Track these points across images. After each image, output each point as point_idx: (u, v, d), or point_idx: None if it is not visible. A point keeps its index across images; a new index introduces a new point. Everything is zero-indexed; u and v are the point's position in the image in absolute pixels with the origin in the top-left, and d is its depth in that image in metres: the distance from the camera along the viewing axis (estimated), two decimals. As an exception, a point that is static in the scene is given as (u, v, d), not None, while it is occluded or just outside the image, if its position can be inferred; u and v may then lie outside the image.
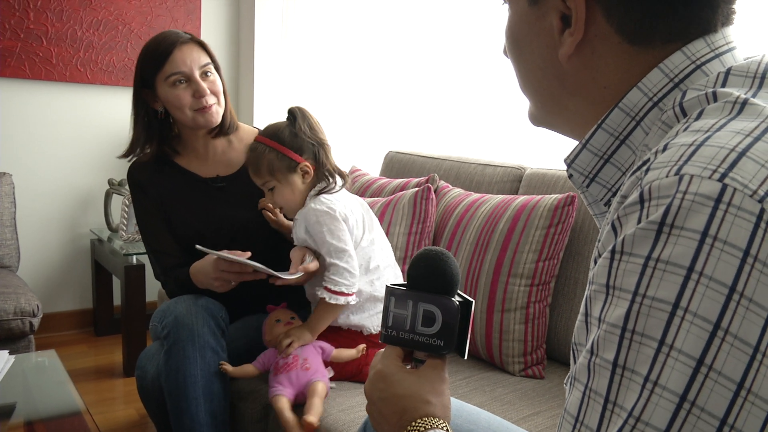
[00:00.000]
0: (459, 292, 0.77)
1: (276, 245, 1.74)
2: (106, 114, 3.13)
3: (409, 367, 0.77)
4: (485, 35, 2.48)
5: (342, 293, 1.49)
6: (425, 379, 0.74)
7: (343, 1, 3.19)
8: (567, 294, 1.70)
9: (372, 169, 2.53)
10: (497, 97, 2.46)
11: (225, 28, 3.37)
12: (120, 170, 3.16)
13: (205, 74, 1.65)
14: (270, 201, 1.56)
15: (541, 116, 0.69)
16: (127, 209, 2.82)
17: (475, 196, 1.90)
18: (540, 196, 1.71)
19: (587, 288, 0.52)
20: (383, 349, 0.79)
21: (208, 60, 1.67)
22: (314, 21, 3.26)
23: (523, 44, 0.65)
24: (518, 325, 1.64)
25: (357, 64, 3.18)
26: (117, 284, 3.06)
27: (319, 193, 1.53)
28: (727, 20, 0.59)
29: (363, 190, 2.22)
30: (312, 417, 1.36)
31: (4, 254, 2.63)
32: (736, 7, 0.60)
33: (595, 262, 0.53)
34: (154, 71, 1.63)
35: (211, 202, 1.72)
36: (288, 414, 1.41)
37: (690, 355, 0.44)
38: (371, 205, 1.83)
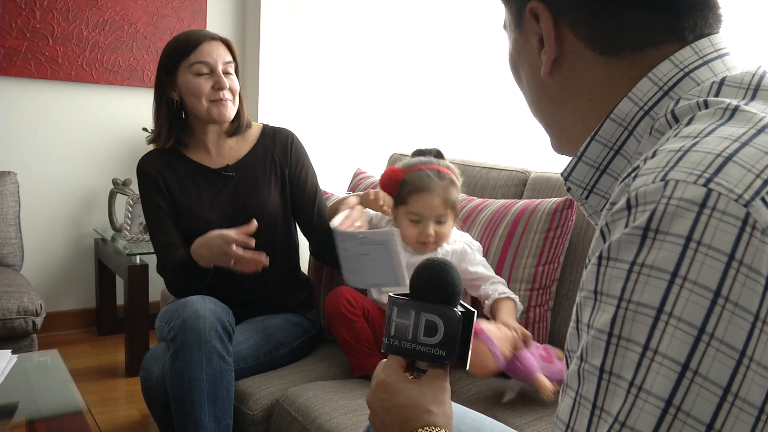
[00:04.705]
0: (461, 302, 0.77)
1: (286, 231, 1.81)
2: (111, 114, 3.14)
3: (411, 376, 0.77)
4: (491, 38, 2.47)
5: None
6: (427, 389, 0.74)
7: (348, 2, 3.19)
8: (570, 298, 1.70)
9: (376, 170, 2.53)
10: (503, 100, 2.45)
11: (231, 29, 3.37)
12: (124, 170, 3.17)
13: (227, 71, 1.71)
14: (433, 232, 1.62)
15: (554, 142, 0.71)
16: (131, 209, 2.82)
17: (477, 201, 1.89)
18: (539, 200, 1.71)
19: (578, 295, 0.52)
20: (385, 359, 0.79)
21: (232, 60, 1.73)
22: (320, 22, 3.26)
23: (518, 70, 0.68)
24: (520, 329, 1.64)
25: (362, 65, 3.18)
26: (120, 284, 3.07)
27: None
28: (710, 27, 0.59)
29: (367, 192, 2.20)
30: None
31: (7, 253, 2.63)
32: (722, 13, 0.60)
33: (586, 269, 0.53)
34: (179, 58, 1.68)
35: (221, 191, 1.75)
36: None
37: (675, 359, 0.43)
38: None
